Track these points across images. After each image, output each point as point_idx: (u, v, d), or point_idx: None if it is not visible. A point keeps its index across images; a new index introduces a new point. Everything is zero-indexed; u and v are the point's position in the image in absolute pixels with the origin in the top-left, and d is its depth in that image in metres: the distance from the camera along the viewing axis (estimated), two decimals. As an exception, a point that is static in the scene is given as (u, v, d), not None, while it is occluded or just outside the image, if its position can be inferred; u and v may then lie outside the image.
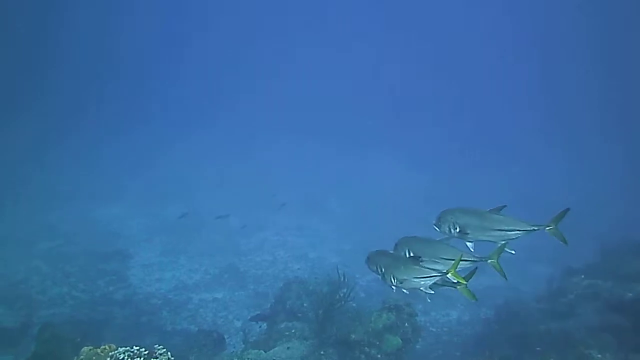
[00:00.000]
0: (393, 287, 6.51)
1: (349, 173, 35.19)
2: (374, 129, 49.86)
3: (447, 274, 6.20)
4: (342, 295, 11.13)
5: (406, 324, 11.02)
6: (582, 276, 14.07)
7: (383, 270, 6.59)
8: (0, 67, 45.44)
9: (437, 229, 6.40)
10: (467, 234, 6.25)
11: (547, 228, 6.10)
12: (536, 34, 68.72)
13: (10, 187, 27.62)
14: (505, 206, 6.25)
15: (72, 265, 18.99)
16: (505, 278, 6.29)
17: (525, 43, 70.11)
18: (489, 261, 6.31)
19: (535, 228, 6.13)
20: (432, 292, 6.54)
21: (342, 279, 11.07)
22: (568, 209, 5.99)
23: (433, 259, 6.44)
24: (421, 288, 6.45)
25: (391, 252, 6.77)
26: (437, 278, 6.32)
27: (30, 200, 26.38)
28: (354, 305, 11.99)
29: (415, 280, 6.37)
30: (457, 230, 6.27)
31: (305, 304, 12.98)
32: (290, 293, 13.76)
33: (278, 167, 35.41)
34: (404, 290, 6.55)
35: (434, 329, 15.74)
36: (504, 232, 6.18)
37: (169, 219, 24.92)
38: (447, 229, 6.31)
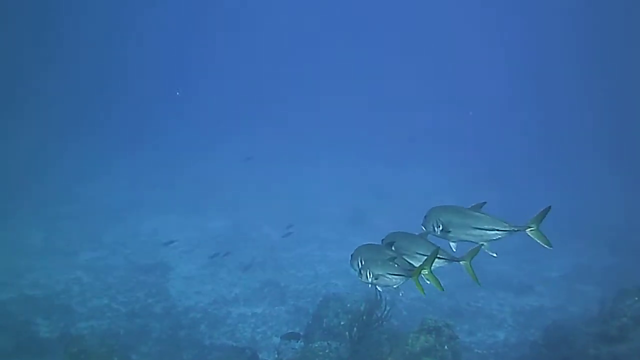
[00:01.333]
0: (369, 284, 6.38)
1: (394, 186, 34.52)
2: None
3: (414, 276, 6.01)
4: (379, 314, 10.74)
5: (446, 347, 10.56)
6: (636, 298, 13.36)
7: (361, 265, 6.48)
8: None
9: (424, 228, 6.27)
10: (449, 232, 6.06)
11: (529, 229, 5.80)
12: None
13: (46, 196, 28.24)
14: (485, 203, 6.02)
15: (113, 276, 19.10)
16: (479, 284, 6.07)
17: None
18: (461, 262, 6.08)
19: (515, 229, 5.85)
20: (402, 292, 6.49)
21: (379, 296, 10.66)
22: (549, 207, 5.68)
23: (412, 254, 6.35)
24: (394, 286, 6.30)
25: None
26: (406, 278, 6.17)
27: (68, 209, 26.81)
28: (395, 323, 11.56)
29: (389, 277, 6.21)
30: (440, 228, 6.10)
31: (342, 322, 12.60)
32: (328, 310, 13.38)
33: (321, 179, 35.13)
34: (378, 288, 6.49)
35: (479, 351, 15.16)
36: (484, 231, 5.93)
37: (210, 231, 24.93)
38: (432, 227, 6.18)
